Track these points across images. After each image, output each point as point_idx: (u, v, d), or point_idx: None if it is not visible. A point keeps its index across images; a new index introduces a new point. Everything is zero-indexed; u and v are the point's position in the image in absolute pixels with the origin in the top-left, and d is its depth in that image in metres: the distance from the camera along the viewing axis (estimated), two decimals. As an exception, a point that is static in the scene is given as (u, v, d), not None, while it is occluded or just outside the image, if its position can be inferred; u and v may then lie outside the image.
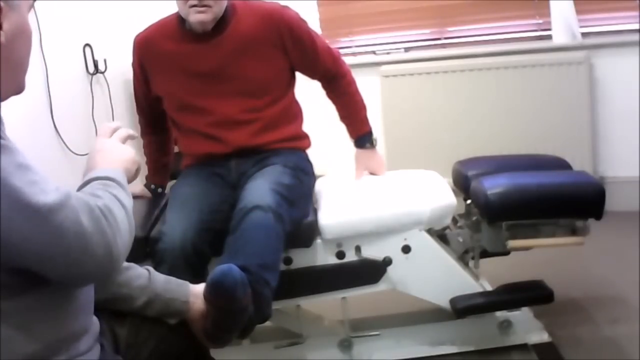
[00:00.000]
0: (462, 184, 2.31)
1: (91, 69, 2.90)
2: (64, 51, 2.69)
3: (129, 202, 1.13)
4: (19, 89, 1.10)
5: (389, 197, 2.15)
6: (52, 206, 0.95)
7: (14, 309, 1.00)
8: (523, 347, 2.14)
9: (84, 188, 1.12)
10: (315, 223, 2.05)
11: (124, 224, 1.06)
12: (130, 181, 1.24)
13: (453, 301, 2.08)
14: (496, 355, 2.14)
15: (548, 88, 3.31)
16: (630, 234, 2.94)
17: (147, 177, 2.36)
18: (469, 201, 2.23)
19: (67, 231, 0.96)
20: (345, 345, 2.16)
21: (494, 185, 2.05)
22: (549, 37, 3.42)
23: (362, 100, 2.27)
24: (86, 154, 2.86)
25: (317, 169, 2.26)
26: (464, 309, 2.07)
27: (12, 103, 1.06)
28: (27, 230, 0.94)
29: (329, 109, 2.30)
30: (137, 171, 1.29)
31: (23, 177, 0.94)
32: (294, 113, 2.23)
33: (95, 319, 1.17)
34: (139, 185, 2.31)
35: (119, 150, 1.26)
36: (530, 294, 2.14)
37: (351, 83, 2.24)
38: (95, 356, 1.13)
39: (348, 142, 2.33)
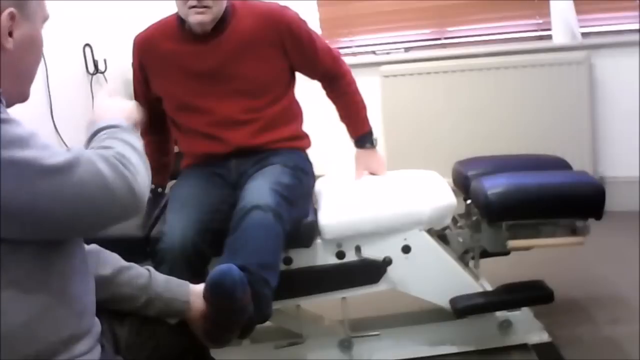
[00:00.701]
0: (462, 184, 2.31)
1: (91, 69, 2.91)
2: (64, 51, 2.70)
3: (139, 143, 1.16)
4: (22, 97, 1.13)
5: (389, 197, 2.15)
6: (68, 163, 0.99)
7: (17, 309, 1.00)
8: (523, 347, 2.14)
9: (91, 142, 1.15)
10: (315, 223, 2.05)
11: (139, 164, 1.09)
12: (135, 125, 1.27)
13: (453, 301, 2.08)
14: (496, 355, 2.14)
15: (548, 88, 3.31)
16: (630, 234, 2.94)
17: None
18: (469, 201, 2.23)
19: (89, 182, 0.99)
20: (345, 345, 2.16)
21: (494, 185, 2.05)
22: (549, 37, 3.43)
23: (362, 100, 2.27)
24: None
25: (317, 169, 2.26)
26: (464, 309, 2.07)
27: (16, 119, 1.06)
28: (52, 191, 0.97)
29: (329, 109, 2.30)
30: (138, 120, 1.32)
31: (37, 143, 0.98)
32: (294, 113, 2.23)
33: (96, 320, 1.17)
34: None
35: (118, 103, 1.29)
36: (530, 294, 2.14)
37: (351, 83, 2.24)
38: (96, 356, 1.13)
39: (348, 142, 2.33)
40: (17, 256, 1.00)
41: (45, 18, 1.13)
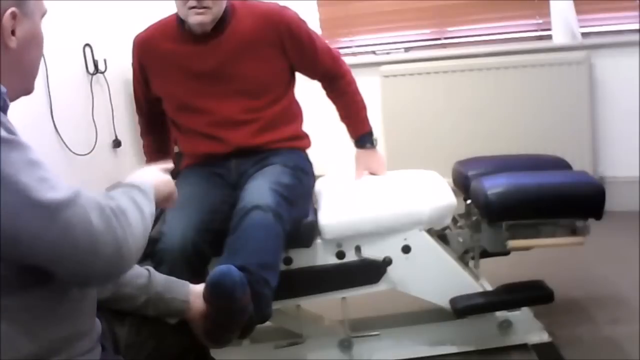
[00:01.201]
0: (462, 184, 2.31)
1: (91, 69, 2.91)
2: (64, 51, 2.70)
3: (149, 207, 1.13)
4: (27, 91, 1.14)
5: (389, 197, 2.15)
6: (60, 202, 0.95)
7: (18, 307, 1.00)
8: (523, 347, 2.14)
9: (108, 191, 1.14)
10: (315, 223, 2.05)
11: (137, 225, 1.05)
12: (161, 204, 1.28)
13: (453, 301, 2.08)
14: (496, 355, 2.14)
15: (548, 88, 3.31)
16: (630, 234, 2.94)
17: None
18: (469, 201, 2.23)
19: (74, 228, 0.95)
20: (345, 345, 2.16)
21: (494, 185, 2.05)
22: (549, 37, 3.43)
23: (362, 100, 2.27)
24: (86, 154, 2.87)
25: (317, 169, 2.26)
26: (464, 309, 2.07)
27: (12, 103, 1.08)
28: (36, 227, 0.93)
29: (329, 109, 2.30)
30: (170, 196, 1.32)
31: (33, 174, 0.95)
32: (294, 113, 2.23)
33: (97, 320, 1.17)
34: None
35: (155, 172, 1.31)
36: (530, 294, 2.14)
37: (351, 83, 2.24)
38: (97, 356, 1.13)
39: (348, 142, 2.33)
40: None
41: (43, 13, 1.15)
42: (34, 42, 1.11)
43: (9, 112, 1.06)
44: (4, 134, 0.95)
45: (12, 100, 1.08)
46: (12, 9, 1.04)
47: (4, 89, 1.04)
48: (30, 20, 1.09)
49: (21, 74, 1.10)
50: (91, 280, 1.04)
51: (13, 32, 1.05)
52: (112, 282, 1.13)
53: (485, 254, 2.21)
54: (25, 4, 1.08)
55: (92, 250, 0.97)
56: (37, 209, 0.93)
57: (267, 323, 1.93)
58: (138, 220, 1.06)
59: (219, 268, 1.41)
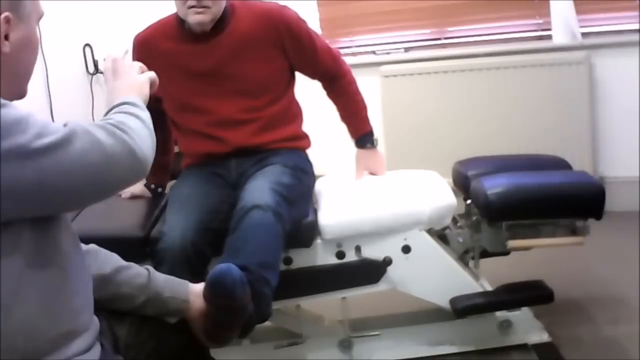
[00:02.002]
0: (462, 184, 2.31)
1: (91, 69, 2.91)
2: (64, 51, 2.70)
3: (143, 113, 1.18)
4: (20, 95, 1.14)
5: (389, 197, 2.15)
6: (66, 137, 1.01)
7: (13, 303, 1.01)
8: (523, 347, 2.14)
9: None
10: (315, 223, 2.05)
11: (139, 128, 1.12)
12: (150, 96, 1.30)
13: (453, 301, 2.08)
14: (496, 355, 2.14)
15: (548, 88, 3.31)
16: (630, 234, 2.94)
17: (147, 177, 2.36)
18: (469, 201, 2.23)
19: (88, 151, 1.02)
20: (345, 345, 2.16)
21: (494, 185, 2.05)
22: (549, 37, 3.43)
23: (362, 100, 2.26)
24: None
25: (317, 169, 2.26)
26: (464, 309, 2.07)
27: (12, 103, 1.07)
28: (55, 167, 0.99)
29: (329, 109, 2.30)
30: (153, 84, 1.33)
31: (35, 123, 1.00)
32: (294, 113, 2.23)
33: (95, 319, 1.17)
34: (139, 186, 2.31)
35: (129, 80, 1.30)
36: (530, 294, 2.14)
37: (351, 83, 2.24)
38: (96, 356, 1.13)
39: (348, 142, 2.33)
40: (15, 252, 1.01)
41: (40, 16, 1.15)
42: (29, 46, 1.11)
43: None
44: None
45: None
46: (6, 13, 1.04)
47: None
48: (25, 24, 1.09)
49: (14, 78, 1.10)
50: (120, 188, 1.11)
51: (7, 37, 1.05)
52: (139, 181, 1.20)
53: (485, 254, 2.21)
54: (21, 8, 1.07)
55: (112, 163, 1.04)
56: (51, 151, 0.99)
57: (267, 323, 1.93)
58: (138, 124, 1.13)
59: (219, 267, 1.41)
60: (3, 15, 1.04)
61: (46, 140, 0.99)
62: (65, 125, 1.04)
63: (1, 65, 1.06)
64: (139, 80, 1.31)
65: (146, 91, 1.30)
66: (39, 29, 1.16)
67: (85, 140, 1.02)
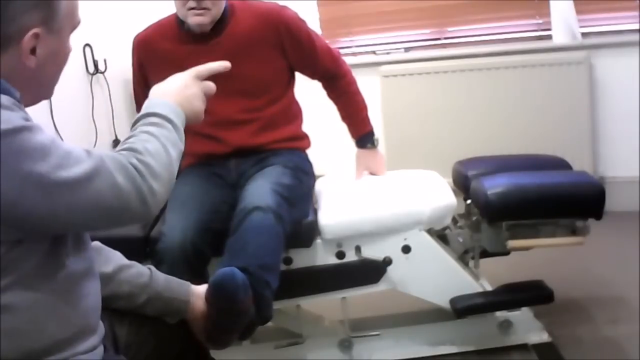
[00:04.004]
0: (462, 184, 2.31)
1: (91, 69, 2.90)
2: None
3: (176, 147, 1.14)
4: (46, 97, 1.16)
5: (389, 197, 2.15)
6: (88, 174, 1.00)
7: (25, 304, 1.01)
8: (523, 347, 2.14)
9: (135, 125, 1.15)
10: (315, 223, 2.05)
11: (161, 171, 1.09)
12: (192, 121, 1.26)
13: (453, 301, 2.08)
14: (496, 355, 2.14)
15: (548, 88, 3.31)
16: (630, 234, 2.94)
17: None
18: (469, 201, 2.23)
19: (105, 194, 1.02)
20: (345, 345, 2.16)
21: (494, 185, 2.05)
22: (549, 37, 3.43)
23: (363, 100, 2.26)
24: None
25: (317, 169, 2.26)
26: (464, 309, 2.07)
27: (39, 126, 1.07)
28: (70, 204, 0.99)
29: (329, 109, 2.30)
30: (202, 110, 1.29)
31: (57, 152, 0.99)
32: (294, 113, 2.23)
33: (101, 322, 1.18)
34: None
35: (192, 94, 1.27)
36: (530, 294, 2.14)
37: (351, 83, 2.24)
38: (99, 356, 1.13)
39: (348, 142, 2.33)
40: (27, 254, 1.01)
41: (74, 27, 1.14)
42: (57, 59, 1.11)
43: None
44: (23, 121, 0.98)
45: (29, 105, 1.09)
46: (36, 30, 1.03)
47: (16, 94, 1.04)
48: (56, 37, 1.08)
49: (38, 87, 1.11)
50: (121, 226, 1.10)
51: (34, 51, 1.05)
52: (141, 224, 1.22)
53: (485, 254, 2.21)
54: (54, 20, 1.06)
55: (123, 208, 1.04)
56: (69, 187, 0.98)
57: (268, 323, 1.92)
58: (163, 165, 1.09)
59: (222, 270, 1.40)
60: (32, 32, 1.03)
61: (66, 173, 0.98)
62: (88, 153, 1.03)
63: (26, 77, 1.06)
64: (190, 91, 1.26)
65: (196, 106, 1.27)
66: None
67: (104, 182, 1.01)
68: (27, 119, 1.00)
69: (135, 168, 1.05)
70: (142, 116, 1.16)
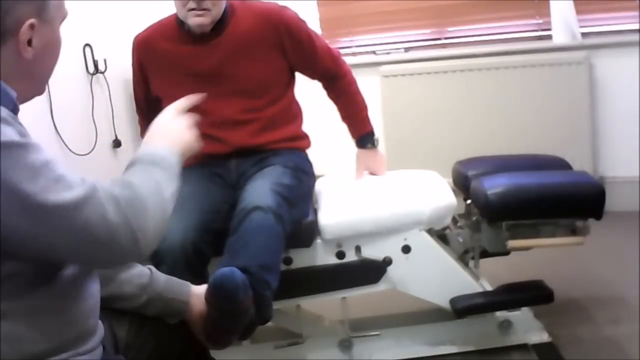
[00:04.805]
0: (462, 184, 2.31)
1: (91, 69, 2.90)
2: (64, 51, 2.69)
3: (170, 186, 1.11)
4: (39, 93, 1.14)
5: (389, 197, 2.15)
6: (78, 201, 0.96)
7: (24, 308, 1.01)
8: (523, 347, 2.14)
9: (131, 166, 1.12)
10: (315, 223, 2.05)
11: (155, 211, 1.05)
12: (187, 154, 1.24)
13: (453, 301, 2.08)
14: (496, 355, 2.14)
15: (548, 88, 3.31)
16: (630, 234, 2.94)
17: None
18: (469, 201, 2.23)
19: (92, 225, 0.97)
20: (345, 345, 2.16)
21: (494, 185, 2.05)
22: (549, 37, 3.43)
23: (363, 101, 2.27)
24: (86, 154, 2.86)
25: (317, 169, 2.26)
26: (464, 309, 2.07)
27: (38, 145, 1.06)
28: (54, 229, 0.95)
29: (329, 109, 2.30)
30: (192, 141, 1.27)
31: (50, 174, 0.96)
32: (294, 113, 2.23)
33: (100, 322, 1.18)
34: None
35: (176, 129, 1.25)
36: (530, 294, 2.14)
37: (351, 83, 2.24)
38: (98, 356, 1.13)
39: (348, 142, 2.33)
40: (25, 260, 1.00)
41: (63, 17, 1.13)
42: (51, 50, 1.11)
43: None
44: (17, 138, 0.96)
45: (23, 102, 1.08)
46: (32, 20, 1.03)
47: (14, 94, 1.04)
48: (49, 27, 1.08)
49: (34, 80, 1.10)
50: (109, 266, 1.09)
51: (30, 42, 1.04)
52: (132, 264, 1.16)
53: (485, 254, 2.21)
54: (46, 10, 1.06)
55: (110, 243, 0.99)
56: (55, 211, 0.95)
57: (268, 323, 1.92)
58: (156, 204, 1.06)
59: (222, 270, 1.40)
60: (28, 22, 1.03)
61: (54, 197, 0.94)
62: (83, 181, 0.99)
63: (23, 69, 1.05)
64: (187, 135, 1.25)
65: (187, 138, 1.25)
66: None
67: (93, 212, 0.97)
68: (24, 134, 0.98)
69: (129, 203, 1.01)
70: (137, 159, 1.13)
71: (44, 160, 0.97)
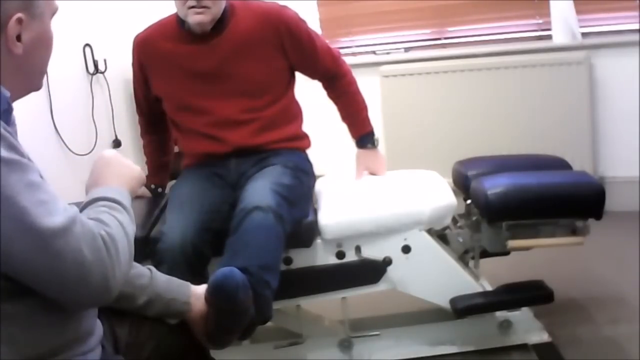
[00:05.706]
0: (462, 184, 2.31)
1: (91, 69, 2.90)
2: (64, 51, 2.69)
3: (131, 229, 1.12)
4: (35, 89, 1.14)
5: (389, 197, 2.15)
6: (55, 230, 0.95)
7: (20, 311, 1.01)
8: (523, 347, 2.14)
9: (89, 208, 1.11)
10: (315, 223, 2.05)
11: (124, 254, 1.05)
12: (135, 190, 1.24)
13: (453, 301, 2.08)
14: (496, 355, 2.14)
15: (548, 88, 3.31)
16: (630, 234, 2.94)
17: (147, 177, 2.35)
18: (469, 201, 2.23)
19: (66, 257, 0.96)
20: (345, 345, 2.16)
21: (494, 185, 2.05)
22: (549, 37, 3.43)
23: (363, 101, 2.27)
24: (86, 154, 2.85)
25: (317, 169, 2.26)
26: (464, 309, 2.07)
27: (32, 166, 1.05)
28: (28, 251, 0.94)
29: (329, 109, 2.30)
30: (139, 187, 1.28)
31: (32, 197, 0.95)
32: (294, 113, 2.23)
33: (98, 322, 1.17)
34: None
35: (127, 167, 1.25)
36: (530, 294, 2.14)
37: (352, 83, 2.24)
38: (97, 356, 1.13)
39: (348, 142, 2.33)
40: None
41: (54, 11, 1.13)
42: (42, 44, 1.10)
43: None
44: (4, 153, 0.94)
45: (18, 99, 1.08)
46: (18, 14, 1.03)
47: (7, 94, 1.04)
48: (38, 22, 1.07)
49: (27, 76, 1.10)
50: (75, 305, 1.04)
51: (19, 38, 1.04)
52: (95, 307, 1.13)
53: (485, 254, 2.21)
54: (35, 5, 1.06)
55: (80, 279, 0.98)
56: (32, 234, 0.94)
57: (268, 323, 1.92)
58: (125, 246, 1.07)
59: (222, 270, 1.40)
60: (15, 17, 1.02)
61: (30, 222, 0.93)
62: (65, 210, 0.98)
63: (14, 65, 1.05)
64: (136, 173, 1.24)
65: (136, 187, 1.24)
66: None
67: (70, 243, 0.96)
68: (14, 148, 0.96)
69: (104, 241, 1.01)
70: (91, 201, 1.12)
71: (27, 182, 0.95)
